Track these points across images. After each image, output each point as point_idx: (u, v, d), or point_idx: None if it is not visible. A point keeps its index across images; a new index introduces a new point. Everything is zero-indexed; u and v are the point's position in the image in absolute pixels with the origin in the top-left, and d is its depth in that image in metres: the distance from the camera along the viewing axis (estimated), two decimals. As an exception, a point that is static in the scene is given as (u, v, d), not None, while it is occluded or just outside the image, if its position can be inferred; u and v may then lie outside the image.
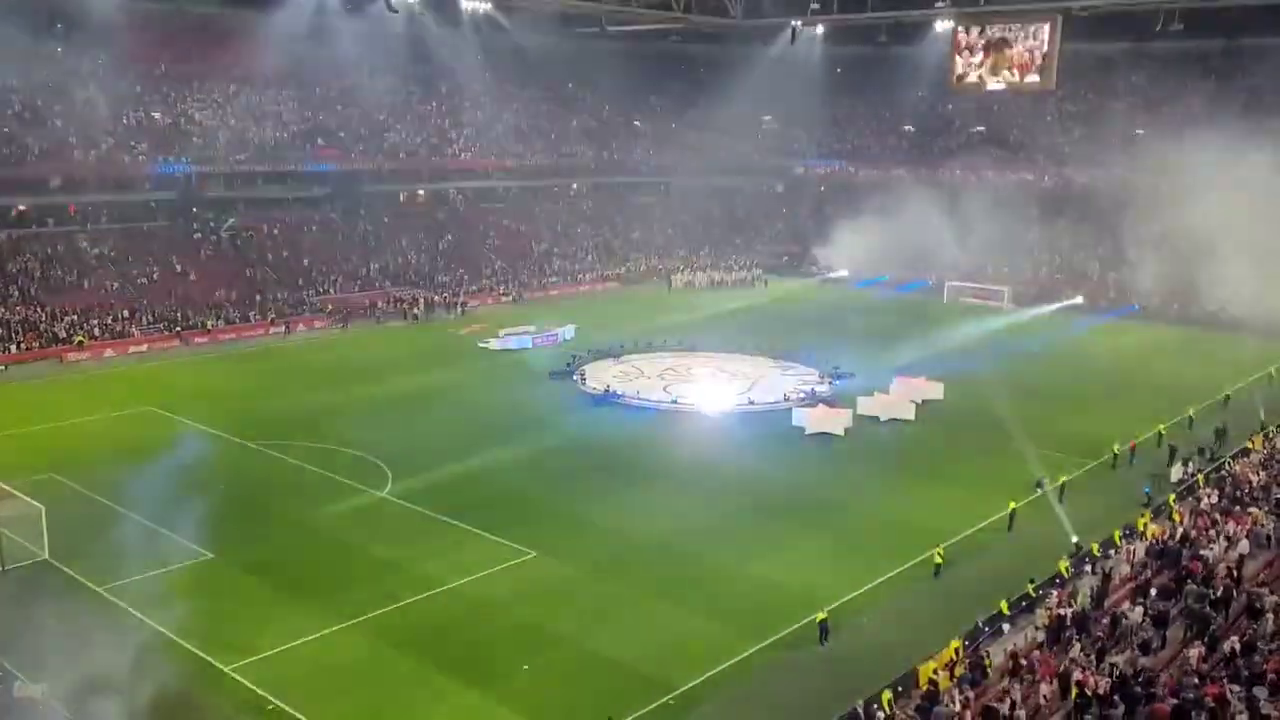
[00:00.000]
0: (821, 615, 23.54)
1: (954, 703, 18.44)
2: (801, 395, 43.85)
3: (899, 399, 42.17)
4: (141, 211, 63.64)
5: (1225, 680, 17.43)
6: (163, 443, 36.47)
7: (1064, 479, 32.59)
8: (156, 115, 65.30)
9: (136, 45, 67.90)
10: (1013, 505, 30.48)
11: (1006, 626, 23.12)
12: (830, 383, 46.30)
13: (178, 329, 54.96)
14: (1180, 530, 26.31)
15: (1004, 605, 23.69)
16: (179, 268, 60.64)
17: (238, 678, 21.57)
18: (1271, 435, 35.50)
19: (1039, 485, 32.67)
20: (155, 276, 59.19)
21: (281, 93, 72.52)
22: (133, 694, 19.50)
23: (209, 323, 56.22)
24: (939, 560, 27.05)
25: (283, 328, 57.64)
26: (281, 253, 65.55)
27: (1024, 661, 20.06)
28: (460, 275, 69.85)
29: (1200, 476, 32.09)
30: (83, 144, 60.74)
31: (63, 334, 51.70)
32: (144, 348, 52.72)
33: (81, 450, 35.67)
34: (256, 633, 23.37)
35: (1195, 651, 18.91)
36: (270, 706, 20.59)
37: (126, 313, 55.04)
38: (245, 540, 28.70)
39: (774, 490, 33.45)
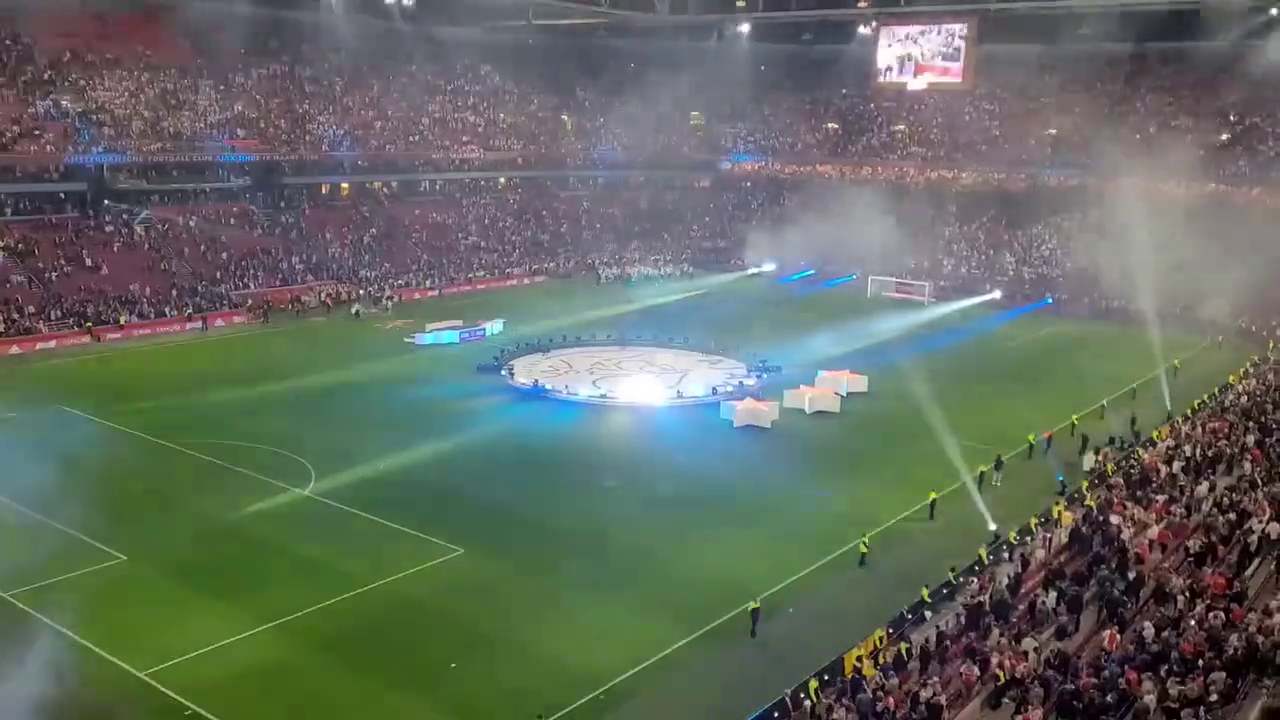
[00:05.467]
0: (754, 604, 23.78)
1: (878, 689, 18.81)
2: (729, 388, 44.26)
3: (824, 391, 42.92)
4: (50, 203, 61.17)
5: (1137, 663, 18.03)
6: (73, 443, 35.09)
7: (983, 469, 33.50)
8: (65, 103, 62.77)
9: (44, 29, 65.26)
10: (933, 495, 31.23)
11: (928, 613, 23.71)
12: (757, 376, 46.82)
13: (89, 325, 52.93)
14: (1092, 517, 27.24)
15: (924, 593, 24.32)
16: (90, 261, 58.40)
17: (153, 683, 20.88)
18: (1178, 425, 36.99)
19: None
20: (65, 270, 56.95)
21: (199, 81, 70.35)
22: (44, 703, 18.80)
23: (122, 318, 54.27)
24: (864, 550, 27.62)
25: (200, 323, 56.00)
26: (198, 246, 63.62)
27: (945, 646, 20.56)
28: (385, 269, 68.77)
29: (1109, 465, 33.31)
30: (-15, 132, 58.20)
31: (-36, 330, 49.54)
32: (52, 344, 50.68)
33: (-15, 451, 34.13)
34: (173, 636, 22.65)
35: (1108, 634, 19.60)
36: (189, 712, 20.00)
37: (33, 308, 52.85)
38: (161, 542, 27.82)
39: (702, 483, 33.64)
